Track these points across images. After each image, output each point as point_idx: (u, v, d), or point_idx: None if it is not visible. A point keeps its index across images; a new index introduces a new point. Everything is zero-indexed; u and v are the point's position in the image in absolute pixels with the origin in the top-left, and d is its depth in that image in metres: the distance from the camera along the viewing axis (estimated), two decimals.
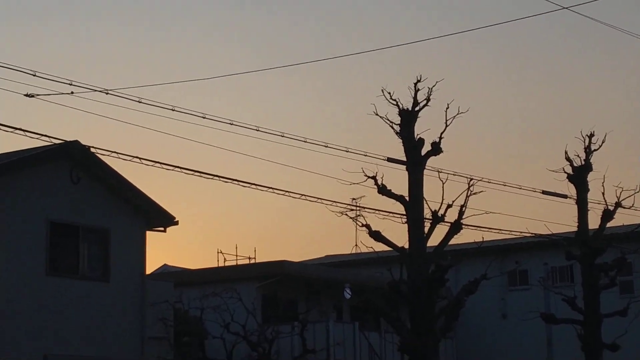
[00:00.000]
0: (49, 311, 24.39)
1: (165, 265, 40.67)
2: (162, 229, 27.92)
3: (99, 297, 25.76)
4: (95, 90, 16.75)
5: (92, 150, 19.62)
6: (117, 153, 17.21)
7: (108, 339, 25.67)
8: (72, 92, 16.58)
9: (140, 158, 17.27)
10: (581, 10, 18.54)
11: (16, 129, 16.02)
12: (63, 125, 52.11)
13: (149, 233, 27.58)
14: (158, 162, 17.56)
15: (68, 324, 24.76)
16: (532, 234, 26.49)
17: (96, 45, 61.34)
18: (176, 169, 17.86)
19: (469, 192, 22.19)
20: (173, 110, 17.30)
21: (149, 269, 30.54)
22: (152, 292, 27.10)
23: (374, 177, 22.03)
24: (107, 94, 16.77)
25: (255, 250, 38.36)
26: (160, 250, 59.96)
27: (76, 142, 23.35)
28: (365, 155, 20.83)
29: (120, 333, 26.06)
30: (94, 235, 26.15)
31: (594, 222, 26.99)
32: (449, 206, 22.07)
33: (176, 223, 27.82)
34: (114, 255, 26.28)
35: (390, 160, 21.89)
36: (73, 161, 25.32)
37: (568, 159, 26.83)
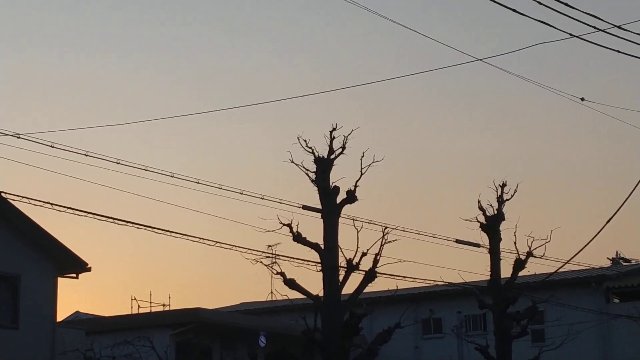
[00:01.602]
0: None
1: (77, 312, 40.01)
2: (74, 275, 27.51)
3: (8, 344, 25.21)
4: (7, 134, 16.52)
5: (3, 195, 19.30)
6: (28, 198, 16.94)
7: None
8: None
9: (51, 204, 17.01)
10: (493, 62, 18.89)
11: None
12: None
13: (60, 279, 27.17)
14: (70, 208, 17.32)
15: None
16: (445, 282, 26.72)
17: (6, 88, 60.59)
18: (89, 214, 17.62)
19: (384, 240, 22.34)
20: (87, 155, 17.13)
21: (60, 316, 30.02)
22: (63, 340, 26.64)
23: (289, 225, 22.06)
24: (18, 138, 16.55)
25: (169, 297, 37.98)
26: (72, 297, 58.99)
27: None
28: (281, 203, 20.86)
29: None
30: (3, 281, 25.67)
31: (506, 271, 27.36)
32: (364, 254, 22.17)
33: (89, 269, 27.45)
34: (24, 302, 25.80)
35: (305, 207, 21.94)
36: None
37: (481, 208, 27.19)
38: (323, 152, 22.45)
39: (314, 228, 22.62)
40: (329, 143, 22.42)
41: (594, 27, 14.47)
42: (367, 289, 22.86)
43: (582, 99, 19.91)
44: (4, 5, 55.97)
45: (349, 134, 22.22)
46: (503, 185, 27.26)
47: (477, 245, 26.68)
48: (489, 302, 27.09)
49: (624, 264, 41.76)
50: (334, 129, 22.35)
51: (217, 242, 19.77)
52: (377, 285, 23.11)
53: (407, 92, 63.24)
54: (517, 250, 26.88)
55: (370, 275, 22.47)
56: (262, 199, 20.25)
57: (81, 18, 60.60)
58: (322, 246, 22.23)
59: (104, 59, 61.99)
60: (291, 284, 22.21)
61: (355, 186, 22.52)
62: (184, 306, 33.72)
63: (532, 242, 26.62)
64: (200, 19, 63.35)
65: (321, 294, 22.15)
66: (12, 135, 16.52)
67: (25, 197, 16.98)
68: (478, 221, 27.05)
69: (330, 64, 63.79)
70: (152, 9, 61.81)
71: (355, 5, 16.39)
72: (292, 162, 21.99)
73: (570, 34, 15.06)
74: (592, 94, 19.81)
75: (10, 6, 57.87)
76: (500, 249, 27.23)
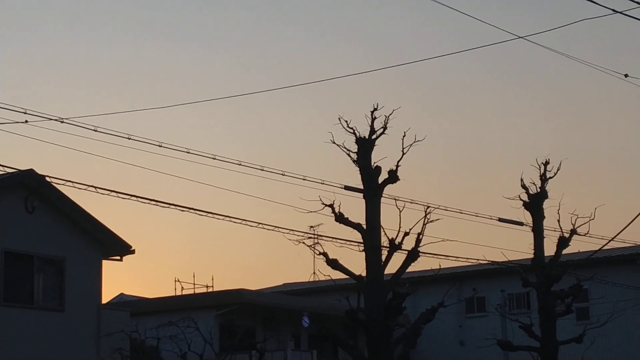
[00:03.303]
0: (3, 341, 24.10)
1: (121, 294, 40.40)
2: (118, 257, 27.74)
3: (55, 327, 25.50)
4: (50, 119, 16.62)
5: (47, 179, 19.46)
6: (72, 182, 17.04)
7: None
8: (26, 121, 16.44)
9: (95, 187, 17.10)
10: (535, 39, 18.69)
11: None
12: (17, 154, 51.67)
13: (105, 262, 27.41)
14: (114, 191, 17.41)
15: (23, 354, 24.47)
16: (488, 261, 26.60)
17: (50, 73, 61.04)
18: (132, 197, 17.69)
19: (426, 220, 22.26)
20: (129, 138, 17.18)
21: (105, 299, 30.32)
22: (108, 322, 26.88)
23: (331, 206, 22.04)
24: (62, 122, 16.63)
25: (212, 279, 38.22)
26: (117, 280, 59.54)
27: (31, 171, 23.17)
28: (323, 184, 20.83)
29: None
30: (49, 265, 25.93)
31: (549, 249, 27.17)
32: (406, 234, 22.11)
33: (133, 252, 27.66)
34: (69, 285, 26.06)
35: (347, 188, 21.89)
36: (28, 190, 25.12)
37: (524, 186, 26.99)
38: (364, 133, 22.39)
39: (356, 208, 22.62)
40: (370, 123, 22.35)
41: (637, 3, 14.29)
42: (409, 269, 22.80)
43: (626, 75, 19.70)
44: None
45: (390, 114, 22.14)
46: (546, 163, 27.05)
47: (520, 224, 26.50)
48: (532, 280, 26.94)
49: None
50: (375, 109, 22.28)
51: (259, 223, 19.81)
52: (420, 265, 23.04)
53: (449, 71, 62.96)
54: (560, 228, 26.68)
55: (413, 255, 22.43)
56: (304, 179, 20.24)
57: (125, 1, 60.85)
58: (365, 226, 22.20)
59: (146, 42, 62.28)
60: (334, 264, 22.22)
61: (397, 166, 22.45)
62: (227, 287, 33.99)
63: (575, 219, 26.43)
64: (239, 0, 63.37)
65: (364, 274, 22.14)
66: (55, 120, 16.63)
67: (69, 181, 17.10)
68: (521, 199, 26.87)
69: (370, 44, 63.63)
70: None
71: None
72: (334, 142, 21.96)
73: (613, 10, 14.89)
74: (636, 70, 19.61)
75: None
76: (544, 227, 27.03)
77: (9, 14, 57.07)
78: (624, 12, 14.93)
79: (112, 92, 60.71)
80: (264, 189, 26.34)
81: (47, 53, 60.99)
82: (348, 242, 21.94)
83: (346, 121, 22.06)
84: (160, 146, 17.59)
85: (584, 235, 26.66)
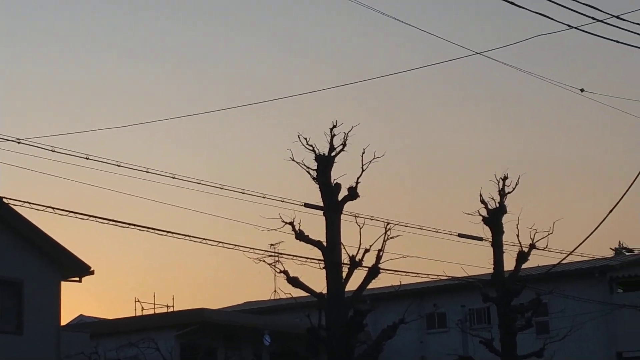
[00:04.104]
0: None
1: (81, 315, 40.04)
2: (77, 278, 27.53)
3: (13, 350, 25.21)
4: (7, 140, 16.50)
5: (5, 200, 19.28)
6: (29, 203, 16.92)
7: None
8: None
9: (53, 208, 16.99)
10: (492, 55, 18.83)
11: None
12: None
13: (64, 283, 27.17)
14: (72, 212, 17.29)
15: None
16: (449, 277, 26.70)
17: (6, 93, 60.57)
18: (91, 218, 17.60)
19: (386, 236, 22.35)
20: (87, 158, 17.09)
21: (64, 320, 30.04)
22: (68, 344, 26.65)
23: (291, 223, 22.05)
24: (18, 143, 16.52)
25: (173, 299, 37.97)
26: (76, 301, 59.08)
27: None
28: (282, 202, 20.83)
29: None
30: (7, 287, 25.67)
31: (509, 264, 27.32)
32: (367, 251, 22.17)
33: (92, 273, 27.46)
34: (27, 307, 25.80)
35: (307, 205, 21.92)
36: None
37: (483, 201, 27.16)
38: (324, 150, 22.47)
39: (316, 226, 22.64)
40: (329, 140, 22.43)
41: (592, 18, 14.43)
42: (370, 285, 22.86)
43: (582, 90, 19.85)
44: (1, 6, 56.01)
45: (349, 131, 22.25)
46: (504, 179, 27.24)
47: (480, 239, 26.64)
48: (492, 295, 27.08)
49: (627, 253, 41.79)
50: (334, 126, 22.36)
51: (219, 242, 19.76)
52: (381, 281, 23.10)
53: (407, 87, 63.26)
54: (519, 243, 26.86)
55: (374, 272, 22.47)
56: (264, 197, 20.23)
57: (78, 18, 60.58)
58: (325, 244, 22.23)
59: (102, 60, 61.98)
60: (294, 282, 22.22)
61: (357, 183, 22.53)
62: (188, 307, 33.78)
63: (534, 234, 26.62)
64: (198, 17, 63.35)
65: (325, 291, 22.15)
66: (12, 141, 16.50)
67: (27, 202, 16.97)
68: (480, 215, 27.03)
69: (328, 61, 63.82)
70: (149, 8, 61.77)
71: (353, 2, 16.35)
72: (293, 160, 22.02)
73: (569, 25, 15.02)
74: (591, 85, 19.77)
75: (6, 7, 57.87)
76: (503, 242, 27.20)
77: None
78: (579, 28, 15.08)
79: (69, 111, 60.39)
80: (223, 208, 26.30)
81: (2, 72, 60.54)
82: (309, 260, 21.96)
83: (305, 138, 22.15)
84: (119, 166, 17.53)
85: (543, 250, 26.85)
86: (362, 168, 22.33)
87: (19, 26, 60.36)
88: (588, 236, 22.23)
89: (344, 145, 22.38)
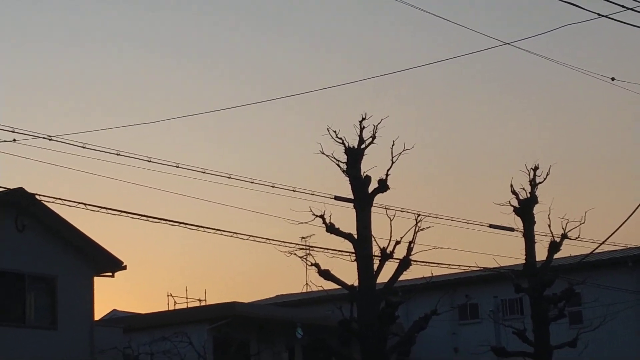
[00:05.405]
0: None
1: (114, 310, 40.28)
2: (110, 274, 27.69)
3: (47, 345, 25.42)
4: (39, 137, 16.62)
5: (37, 197, 19.44)
6: (62, 199, 17.06)
7: None
8: (14, 140, 16.44)
9: (85, 204, 17.12)
10: (522, 45, 18.75)
11: None
12: (6, 173, 51.51)
13: (97, 278, 27.36)
14: (104, 208, 17.43)
15: None
16: (480, 267, 26.62)
17: (38, 90, 60.98)
18: (122, 213, 17.72)
19: (417, 228, 22.30)
20: (118, 154, 17.21)
21: (98, 315, 30.24)
22: (101, 339, 26.83)
23: (322, 216, 22.06)
24: (50, 140, 16.64)
25: (205, 292, 38.08)
26: (109, 296, 59.31)
27: (20, 190, 23.12)
28: (313, 195, 20.86)
29: None
30: (41, 283, 25.87)
31: (541, 254, 27.19)
32: (398, 243, 22.14)
33: (124, 268, 27.62)
34: (61, 303, 26.00)
35: (337, 198, 21.93)
36: (18, 209, 25.08)
37: (514, 192, 27.03)
38: (353, 142, 22.44)
39: (346, 218, 22.63)
40: (358, 133, 22.41)
41: (623, 6, 14.35)
42: (402, 277, 22.82)
43: (613, 79, 19.77)
44: (31, 5, 56.39)
45: (379, 123, 22.21)
46: (535, 169, 27.10)
47: (511, 230, 26.55)
48: (525, 285, 26.96)
49: None
50: (364, 119, 22.34)
51: (250, 235, 19.85)
52: (412, 273, 23.07)
53: (436, 78, 63.09)
54: (551, 233, 26.72)
55: (405, 263, 22.45)
56: (294, 191, 20.28)
57: (108, 14, 60.84)
58: (356, 236, 22.22)
59: (132, 57, 62.27)
60: (326, 274, 22.24)
61: (387, 175, 22.50)
62: (220, 301, 33.88)
63: (566, 224, 26.47)
64: (228, 12, 63.46)
65: (356, 283, 22.16)
66: (44, 138, 16.62)
67: (59, 199, 17.11)
68: (511, 205, 26.90)
69: (357, 54, 63.74)
70: (180, 4, 61.96)
71: None
72: (323, 153, 22.00)
73: (599, 14, 14.94)
74: (622, 74, 19.67)
75: (38, 5, 58.25)
76: (535, 232, 27.07)
77: None
78: (609, 16, 14.98)
79: (100, 108, 60.67)
80: (254, 202, 26.38)
81: (34, 70, 60.94)
82: (340, 253, 21.98)
83: (335, 131, 22.14)
84: (150, 161, 17.63)
85: (575, 239, 26.71)
86: (392, 160, 22.30)
87: (50, 24, 60.75)
88: (620, 225, 22.21)
89: (374, 137, 22.36)
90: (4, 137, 16.30)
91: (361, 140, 22.44)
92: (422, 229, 22.35)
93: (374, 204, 22.43)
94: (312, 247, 22.41)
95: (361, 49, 63.63)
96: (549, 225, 26.53)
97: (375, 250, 22.16)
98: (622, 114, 60.04)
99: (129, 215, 17.83)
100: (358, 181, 22.41)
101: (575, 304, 34.22)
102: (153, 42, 62.96)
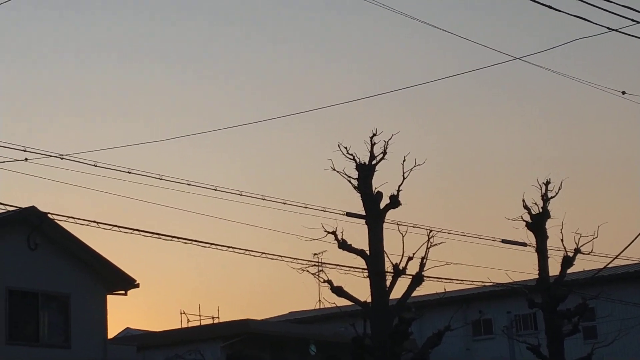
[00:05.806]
0: None
1: (127, 328, 40.27)
2: (123, 292, 27.70)
3: None
4: (50, 156, 16.66)
5: (49, 216, 19.47)
6: (74, 218, 17.08)
7: None
8: (26, 159, 16.49)
9: (97, 222, 17.14)
10: (532, 60, 18.76)
11: None
12: (18, 192, 51.70)
13: (110, 297, 27.36)
14: (116, 226, 17.44)
15: None
16: (493, 283, 26.55)
17: (49, 108, 61.17)
18: (135, 231, 17.72)
19: (429, 243, 22.26)
20: (129, 172, 17.22)
21: (111, 333, 30.22)
22: (115, 357, 26.80)
23: (334, 232, 22.04)
24: (62, 158, 16.68)
25: (218, 310, 38.20)
26: (122, 314, 59.37)
27: (33, 209, 23.17)
28: (325, 211, 20.84)
29: None
30: (54, 301, 25.89)
31: (554, 269, 27.15)
32: (410, 259, 22.10)
33: (137, 285, 27.63)
34: (74, 321, 26.01)
35: (349, 214, 21.91)
36: (30, 228, 25.13)
37: (526, 207, 27.00)
38: (364, 159, 22.45)
39: (358, 235, 22.60)
40: (369, 149, 22.41)
41: (633, 20, 14.33)
42: (415, 293, 22.77)
43: (623, 93, 19.74)
44: (36, 22, 56.63)
45: (390, 139, 22.22)
46: (547, 183, 27.07)
47: (524, 245, 26.48)
48: (538, 300, 26.89)
49: None
50: (374, 135, 22.35)
51: (262, 252, 19.82)
52: (425, 289, 23.01)
53: (447, 93, 63.04)
54: (564, 248, 26.67)
55: (418, 279, 22.40)
56: (306, 207, 20.25)
57: (117, 29, 61.05)
58: (368, 252, 22.19)
59: (144, 74, 62.43)
60: (338, 291, 22.20)
61: (398, 191, 22.49)
62: (233, 318, 33.88)
63: (579, 238, 26.40)
64: (237, 28, 63.62)
65: (369, 300, 22.11)
66: (55, 156, 16.66)
67: (71, 217, 17.13)
68: (523, 220, 26.86)
69: (367, 70, 63.80)
70: (189, 20, 62.15)
71: (393, 11, 16.37)
72: (334, 169, 22.01)
73: (609, 28, 14.93)
74: (633, 87, 19.66)
75: (57, 19, 58.49)
76: (547, 247, 27.02)
77: (3, 48, 57.28)
78: (620, 30, 14.98)
79: (111, 126, 60.84)
80: (265, 219, 26.39)
81: (44, 87, 61.16)
82: (352, 269, 21.94)
83: (346, 147, 22.16)
84: (161, 179, 17.64)
85: (588, 254, 26.64)
86: (404, 176, 22.30)
87: (63, 40, 61.00)
88: (634, 239, 22.14)
89: (385, 153, 22.37)
90: (16, 156, 16.35)
91: (372, 156, 22.45)
92: (434, 245, 22.32)
93: (385, 220, 22.41)
94: (324, 263, 22.39)
95: (372, 64, 63.70)
96: (562, 240, 26.50)
97: (388, 267, 22.14)
98: (633, 128, 59.88)
99: (141, 233, 17.84)
100: (369, 197, 22.41)
101: (590, 318, 34.10)
102: (165, 60, 63.16)
